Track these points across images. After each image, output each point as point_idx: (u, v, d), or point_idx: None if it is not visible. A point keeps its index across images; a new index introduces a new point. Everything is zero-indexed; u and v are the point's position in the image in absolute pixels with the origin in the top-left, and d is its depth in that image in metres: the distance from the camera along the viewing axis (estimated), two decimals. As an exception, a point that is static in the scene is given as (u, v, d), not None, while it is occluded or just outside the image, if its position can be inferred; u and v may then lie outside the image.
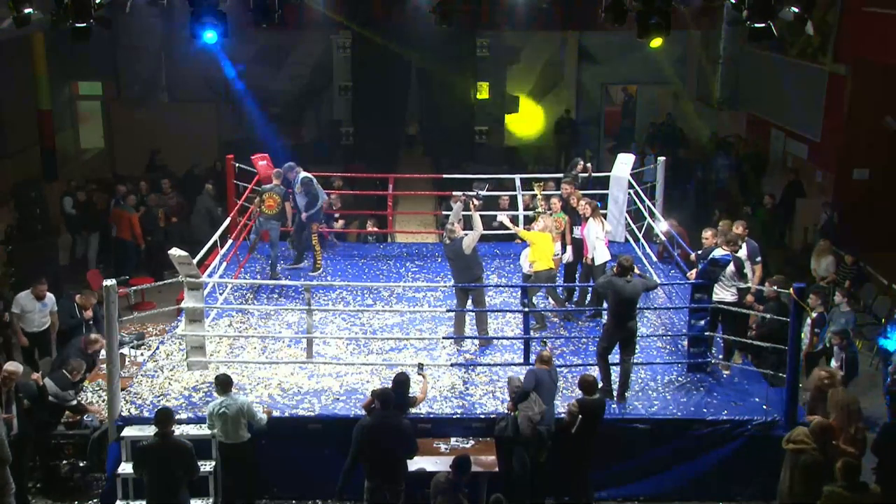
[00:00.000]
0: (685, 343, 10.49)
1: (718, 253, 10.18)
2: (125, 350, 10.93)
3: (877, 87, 15.55)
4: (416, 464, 8.64)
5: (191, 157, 19.09)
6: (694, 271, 10.47)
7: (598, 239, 11.26)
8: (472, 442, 9.32)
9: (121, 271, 14.19)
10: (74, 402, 9.71)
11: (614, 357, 9.78)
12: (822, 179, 17.03)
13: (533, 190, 13.15)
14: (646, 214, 13.06)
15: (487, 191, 11.67)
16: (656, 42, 11.89)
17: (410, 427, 8.50)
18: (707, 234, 10.82)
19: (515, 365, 10.02)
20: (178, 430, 8.92)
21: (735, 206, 17.17)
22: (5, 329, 11.67)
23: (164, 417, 8.20)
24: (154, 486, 8.17)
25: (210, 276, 11.35)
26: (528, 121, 22.82)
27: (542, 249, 11.01)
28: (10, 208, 16.26)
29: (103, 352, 9.97)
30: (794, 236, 17.00)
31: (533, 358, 9.56)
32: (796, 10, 10.27)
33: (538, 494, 9.12)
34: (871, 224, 15.37)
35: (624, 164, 13.41)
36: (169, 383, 10.06)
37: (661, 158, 14.35)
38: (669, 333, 11.25)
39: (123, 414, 9.40)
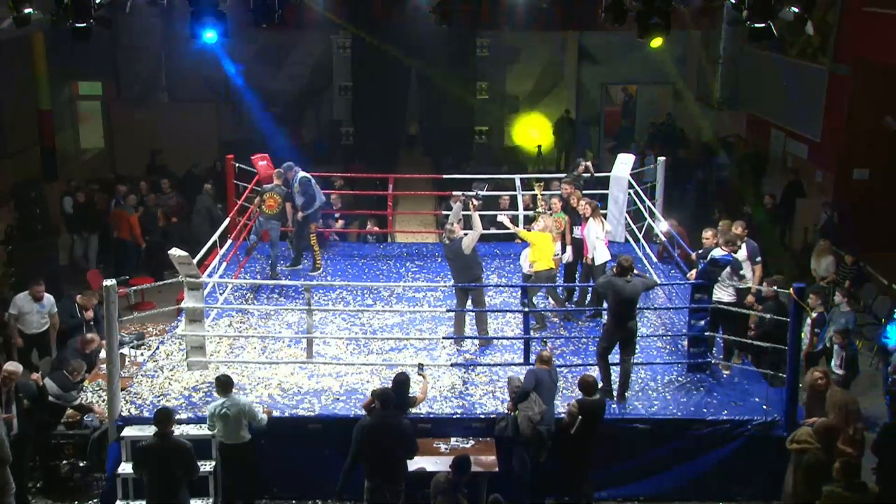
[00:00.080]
0: (685, 343, 10.49)
1: (718, 253, 10.18)
2: (125, 350, 10.92)
3: (877, 87, 15.56)
4: (416, 464, 8.64)
5: (191, 157, 19.10)
6: (694, 271, 10.47)
7: (598, 239, 11.26)
8: (472, 442, 9.32)
9: (121, 271, 14.19)
10: (77, 402, 9.69)
11: (614, 357, 9.78)
12: (822, 179, 17.03)
13: (533, 190, 13.14)
14: (646, 214, 13.06)
15: (487, 191, 11.66)
16: (656, 42, 11.88)
17: (410, 427, 8.50)
18: (707, 234, 10.82)
19: (515, 365, 10.02)
20: (178, 430, 8.93)
21: (735, 206, 17.17)
22: (4, 329, 11.67)
23: (163, 417, 8.20)
24: (154, 486, 8.17)
25: (210, 276, 11.35)
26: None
27: (542, 249, 11.01)
28: (10, 208, 16.25)
29: (103, 352, 9.98)
30: (794, 236, 17.00)
31: (533, 358, 9.55)
32: (796, 10, 10.28)
33: (538, 494, 9.12)
34: (871, 224, 15.37)
35: (624, 164, 13.41)
36: (169, 383, 10.06)
37: (661, 158, 14.35)
38: (669, 333, 11.25)
39: (123, 414, 9.40)
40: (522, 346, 10.13)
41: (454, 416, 9.45)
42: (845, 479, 7.52)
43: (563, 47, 22.63)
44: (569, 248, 11.84)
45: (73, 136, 21.30)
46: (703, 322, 10.10)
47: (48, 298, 11.59)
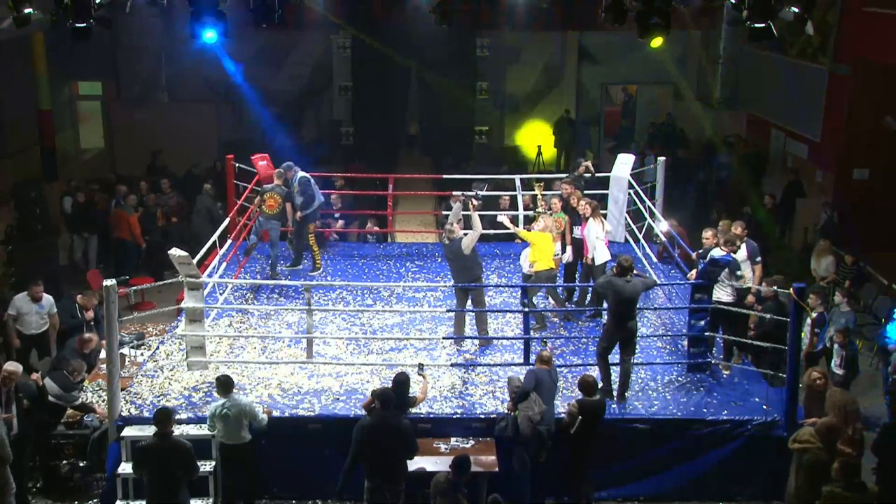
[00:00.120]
0: (685, 343, 10.49)
1: (717, 253, 10.19)
2: (125, 350, 10.92)
3: (877, 87, 15.56)
4: (416, 464, 8.64)
5: (191, 157, 19.10)
6: (694, 271, 10.47)
7: (598, 239, 11.26)
8: (472, 442, 9.32)
9: (121, 271, 14.19)
10: (79, 403, 9.69)
11: (614, 357, 9.78)
12: (822, 179, 17.03)
13: (533, 190, 13.14)
14: (646, 214, 13.06)
15: (487, 191, 11.67)
16: (656, 42, 11.89)
17: (410, 427, 8.50)
18: (707, 234, 10.81)
19: (515, 365, 10.02)
20: (178, 430, 8.93)
21: (735, 206, 17.17)
22: (4, 330, 11.65)
23: (163, 417, 8.20)
24: (154, 486, 8.17)
25: (210, 276, 11.35)
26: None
27: (542, 249, 11.01)
28: (10, 208, 16.25)
29: (103, 352, 9.98)
30: (794, 236, 17.00)
31: (533, 358, 9.55)
32: (796, 10, 10.28)
33: (538, 494, 9.12)
34: (871, 224, 15.37)
35: (624, 164, 13.41)
36: (169, 383, 10.06)
37: (661, 158, 14.35)
38: (669, 333, 11.25)
39: (123, 414, 9.40)
40: (522, 346, 10.12)
41: (454, 416, 9.45)
42: (844, 480, 7.52)
43: (563, 47, 22.63)
44: (569, 248, 11.84)
45: (73, 136, 21.30)
46: (703, 322, 10.10)
47: (47, 299, 11.56)
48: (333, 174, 15.91)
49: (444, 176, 15.79)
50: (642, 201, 13.13)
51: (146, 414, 9.24)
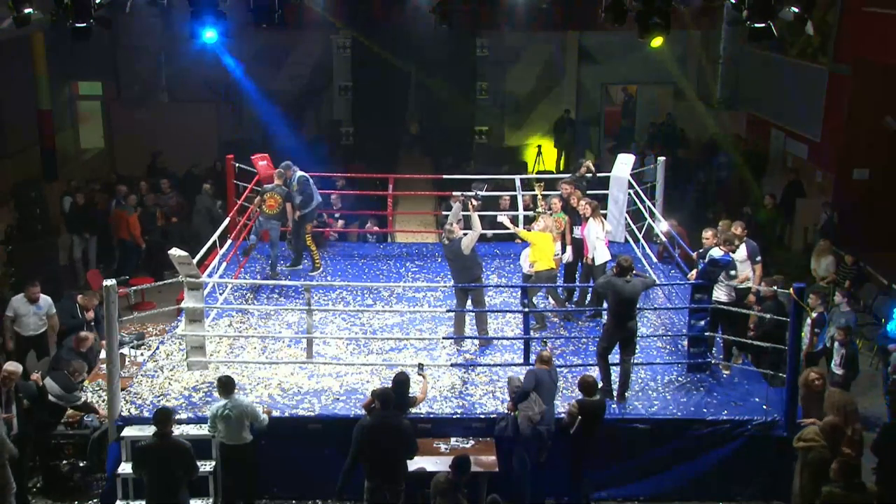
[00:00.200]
0: (685, 343, 10.49)
1: (717, 253, 10.20)
2: (125, 350, 10.92)
3: (877, 87, 15.56)
4: (416, 464, 8.64)
5: (191, 157, 19.09)
6: (694, 271, 10.47)
7: (599, 239, 11.26)
8: (472, 442, 9.32)
9: (121, 271, 14.18)
10: (81, 403, 9.68)
11: (614, 357, 9.78)
12: (822, 179, 17.04)
13: (533, 190, 13.14)
14: (646, 214, 13.06)
15: (486, 191, 11.67)
16: (656, 42, 11.89)
17: (410, 427, 8.50)
18: (707, 234, 10.81)
19: (515, 365, 10.02)
20: (178, 430, 8.93)
21: (735, 206, 17.18)
22: (2, 330, 11.62)
23: (162, 417, 8.20)
24: (154, 486, 8.17)
25: (210, 276, 11.34)
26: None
27: (542, 249, 11.01)
28: (10, 208, 16.25)
29: (103, 352, 9.98)
30: (794, 236, 17.00)
31: (533, 358, 9.55)
32: (796, 10, 10.28)
33: (538, 494, 9.12)
34: (871, 224, 15.37)
35: (624, 164, 13.41)
36: (169, 383, 10.07)
37: (661, 158, 14.35)
38: (669, 333, 11.25)
39: (123, 414, 9.40)
40: (522, 346, 10.12)
41: (454, 416, 9.45)
42: (843, 480, 7.53)
43: (563, 47, 22.61)
44: (569, 248, 11.85)
45: (73, 136, 21.30)
46: (703, 322, 10.10)
47: (44, 300, 11.43)
48: (335, 174, 15.90)
49: (444, 176, 15.79)
50: (642, 201, 13.13)
51: (146, 414, 9.24)
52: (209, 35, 11.60)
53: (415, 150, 22.19)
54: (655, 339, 11.10)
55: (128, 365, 10.72)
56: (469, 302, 10.77)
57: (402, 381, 8.79)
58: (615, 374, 9.80)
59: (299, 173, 12.82)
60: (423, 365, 9.53)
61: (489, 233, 13.64)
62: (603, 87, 23.20)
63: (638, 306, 9.79)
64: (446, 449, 9.15)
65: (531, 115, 23.00)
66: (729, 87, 21.51)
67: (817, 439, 8.21)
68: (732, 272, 10.26)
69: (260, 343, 10.96)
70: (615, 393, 9.71)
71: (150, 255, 15.22)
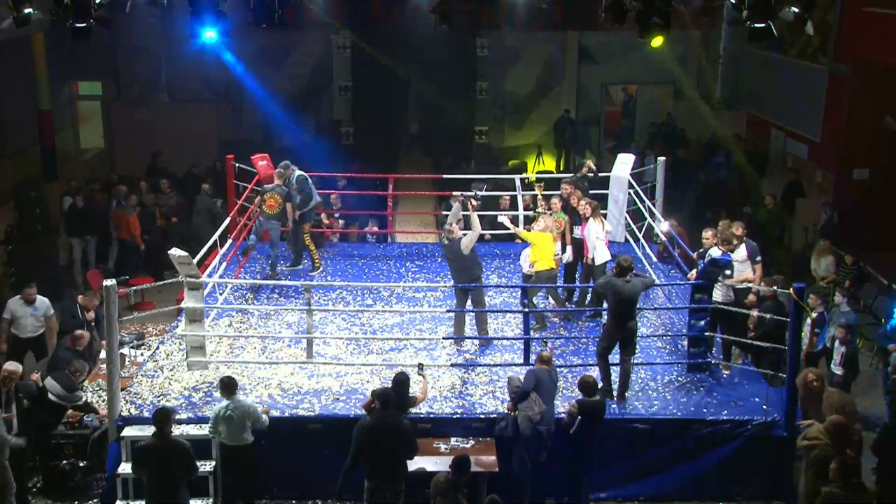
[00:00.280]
0: (685, 343, 10.49)
1: (716, 253, 10.20)
2: (125, 350, 10.92)
3: (877, 87, 15.56)
4: (416, 464, 8.64)
5: (191, 157, 19.10)
6: (694, 271, 10.47)
7: (599, 239, 11.26)
8: (472, 442, 9.32)
9: (121, 271, 14.18)
10: (82, 402, 9.68)
11: (614, 357, 9.78)
12: (822, 179, 17.04)
13: (533, 190, 13.14)
14: (646, 214, 13.06)
15: (486, 191, 11.67)
16: (657, 42, 11.89)
17: (410, 427, 8.50)
18: (707, 234, 10.81)
19: (515, 365, 10.02)
20: (178, 430, 8.94)
21: (735, 206, 17.18)
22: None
23: (162, 417, 8.19)
24: (154, 486, 8.16)
25: (210, 276, 11.35)
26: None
27: (542, 250, 11.01)
28: (10, 208, 16.24)
29: (103, 352, 9.97)
30: (794, 236, 17.00)
31: (533, 358, 9.55)
32: (796, 10, 10.28)
33: (538, 494, 9.12)
34: (871, 224, 15.37)
35: (624, 164, 13.41)
36: (169, 383, 10.06)
37: (661, 158, 14.35)
38: (669, 333, 11.25)
39: (123, 414, 9.40)
40: (522, 346, 10.12)
41: (454, 416, 9.45)
42: (842, 480, 7.53)
43: (563, 47, 22.62)
44: (569, 248, 11.85)
45: (73, 136, 21.31)
46: (703, 322, 10.10)
47: (41, 301, 11.30)
48: (335, 174, 15.90)
49: (444, 176, 15.79)
50: (642, 201, 13.13)
51: (146, 414, 9.23)
52: (209, 35, 11.60)
53: (415, 150, 22.21)
54: (655, 339, 11.10)
55: (128, 365, 10.72)
56: (469, 302, 10.77)
57: (402, 381, 8.79)
58: (615, 374, 9.80)
59: (298, 172, 12.83)
60: (423, 365, 9.53)
61: (488, 233, 13.65)
62: (603, 87, 23.21)
63: (638, 306, 9.79)
64: (446, 449, 9.15)
65: (531, 115, 23.00)
66: (729, 87, 21.52)
67: (821, 438, 8.21)
68: (727, 272, 10.27)
69: (260, 343, 10.96)
70: (615, 393, 9.72)
71: (150, 255, 15.22)
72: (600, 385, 9.42)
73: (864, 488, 7.66)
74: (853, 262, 13.61)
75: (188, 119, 20.85)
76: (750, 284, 10.59)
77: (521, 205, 13.90)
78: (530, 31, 21.08)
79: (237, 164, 13.69)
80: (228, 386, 8.79)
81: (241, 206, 13.35)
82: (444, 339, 10.94)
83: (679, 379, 10.21)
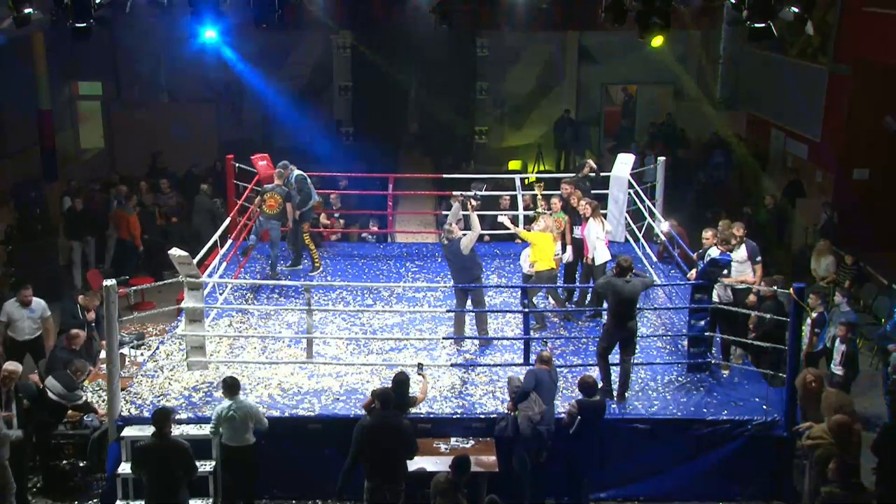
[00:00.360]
0: (685, 343, 10.49)
1: (716, 253, 10.20)
2: (125, 350, 10.92)
3: (877, 87, 15.56)
4: (416, 464, 8.64)
5: (191, 157, 19.10)
6: (694, 271, 10.47)
7: (599, 239, 11.26)
8: (472, 442, 9.32)
9: (121, 271, 14.18)
10: (82, 402, 9.67)
11: (614, 357, 9.78)
12: (822, 179, 17.04)
13: (533, 190, 13.14)
14: (646, 214, 13.06)
15: (486, 191, 11.68)
16: (657, 41, 11.90)
17: (410, 427, 8.50)
18: (707, 234, 10.81)
19: (515, 365, 10.02)
20: (178, 430, 8.94)
21: (735, 205, 17.18)
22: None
23: (161, 417, 8.19)
24: (153, 486, 8.16)
25: (210, 276, 11.35)
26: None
27: (543, 250, 11.01)
28: (10, 208, 16.25)
29: (103, 352, 9.97)
30: (795, 236, 17.00)
31: (533, 358, 9.55)
32: (796, 10, 10.29)
33: (538, 494, 9.12)
34: (871, 224, 15.37)
35: (624, 164, 13.41)
36: (169, 383, 10.06)
37: (661, 158, 14.35)
38: (669, 333, 11.25)
39: (123, 414, 9.40)
40: (522, 346, 10.12)
41: (454, 416, 9.45)
42: (841, 480, 7.53)
43: (563, 47, 22.62)
44: (569, 248, 11.85)
45: (73, 136, 21.31)
46: (703, 322, 10.10)
47: (37, 303, 11.21)
48: (335, 174, 15.91)
49: (444, 176, 15.79)
50: (642, 201, 13.13)
51: (146, 414, 9.23)
52: (209, 35, 11.60)
53: (415, 150, 22.21)
54: (655, 339, 11.10)
55: (128, 365, 10.72)
56: (469, 302, 10.77)
57: (402, 381, 8.79)
58: (615, 374, 9.80)
59: (297, 172, 12.84)
60: (422, 365, 9.52)
61: (488, 233, 13.64)
62: (603, 87, 23.21)
63: (638, 306, 9.79)
64: (446, 449, 9.15)
65: (531, 115, 23.00)
66: (729, 87, 21.51)
67: (825, 437, 8.21)
68: (724, 271, 10.28)
69: (260, 343, 10.96)
70: (615, 393, 9.71)
71: (150, 255, 15.22)
72: (600, 385, 9.42)
73: (864, 488, 7.67)
74: (853, 262, 13.61)
75: (188, 119, 20.84)
76: (749, 285, 10.58)
77: (521, 205, 13.90)
78: (530, 31, 21.08)
79: (237, 164, 13.69)
80: (231, 386, 8.79)
81: (241, 206, 13.35)
82: (444, 339, 10.94)
83: (679, 379, 10.21)
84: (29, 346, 11.20)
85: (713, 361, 10.34)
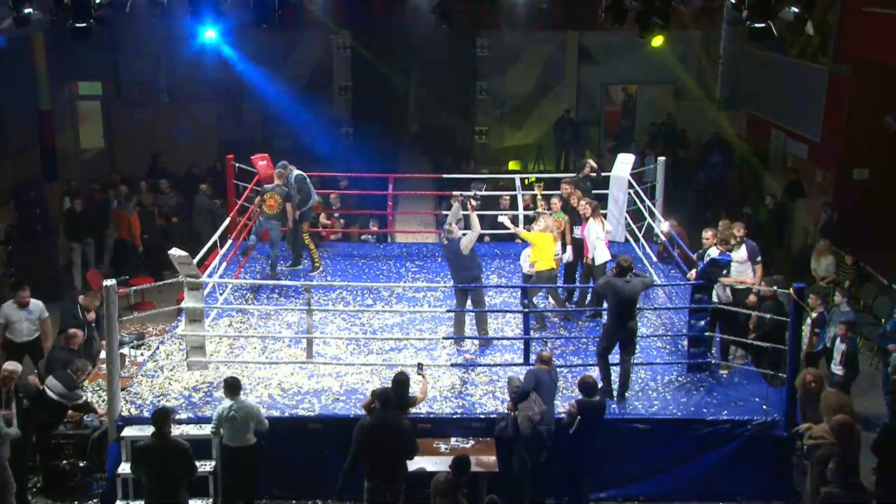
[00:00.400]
0: (685, 343, 10.49)
1: (715, 253, 10.20)
2: (125, 350, 10.92)
3: (877, 87, 15.55)
4: (416, 464, 8.64)
5: (191, 157, 19.10)
6: (694, 271, 10.48)
7: (599, 239, 11.26)
8: (472, 442, 9.32)
9: (121, 271, 14.18)
10: (82, 401, 9.67)
11: (614, 357, 9.78)
12: (822, 179, 17.04)
13: (533, 190, 13.14)
14: (646, 214, 13.06)
15: (486, 191, 11.68)
16: (657, 42, 11.89)
17: (410, 427, 8.50)
18: (707, 234, 10.82)
19: (515, 365, 10.02)
20: (178, 430, 8.95)
21: (735, 205, 17.19)
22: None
23: (161, 417, 8.19)
24: (153, 486, 8.16)
25: (210, 276, 11.35)
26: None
27: (543, 250, 11.01)
28: (10, 208, 16.24)
29: (103, 352, 9.97)
30: (795, 236, 17.00)
31: (533, 358, 9.55)
32: (796, 10, 10.29)
33: (538, 494, 9.12)
34: (871, 224, 15.36)
35: (624, 164, 13.40)
36: (169, 383, 10.06)
37: (661, 158, 14.35)
38: (669, 333, 11.25)
39: (123, 414, 9.40)
40: (522, 346, 10.13)
41: (454, 416, 9.45)
42: (840, 480, 7.53)
43: (563, 47, 22.62)
44: (569, 248, 11.85)
45: (73, 136, 21.30)
46: (703, 322, 10.10)
47: (35, 304, 11.16)
48: (336, 174, 15.91)
49: (444, 176, 15.79)
50: (642, 201, 13.13)
51: (146, 414, 9.23)
52: (209, 35, 11.58)
53: (415, 150, 22.21)
54: (655, 339, 11.10)
55: (128, 365, 10.72)
56: (469, 302, 10.77)
57: (402, 381, 8.79)
58: (615, 374, 9.80)
59: (296, 172, 12.84)
60: (422, 365, 9.53)
61: (488, 233, 13.64)
62: (603, 87, 23.21)
63: (638, 306, 9.79)
64: (446, 449, 9.16)
65: (531, 115, 23.00)
66: (729, 87, 21.51)
67: (826, 437, 8.21)
68: (724, 271, 10.28)
69: (260, 343, 10.96)
70: (615, 393, 9.72)
71: (150, 255, 15.22)
72: (600, 385, 9.42)
73: (863, 488, 7.67)
74: (853, 262, 13.61)
75: (188, 119, 20.84)
76: (748, 286, 10.58)
77: (521, 205, 13.90)
78: (530, 31, 21.08)
79: (237, 164, 13.69)
80: (233, 387, 8.79)
81: (241, 206, 13.35)
82: (444, 339, 10.94)
83: (679, 379, 10.21)
84: (27, 348, 11.15)
85: (713, 361, 10.34)
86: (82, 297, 11.36)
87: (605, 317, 10.11)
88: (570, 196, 11.75)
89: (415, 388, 9.08)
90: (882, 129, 15.85)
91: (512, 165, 21.58)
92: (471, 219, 10.84)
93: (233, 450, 8.82)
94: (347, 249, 14.37)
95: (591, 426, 8.82)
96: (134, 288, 12.07)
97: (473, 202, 10.97)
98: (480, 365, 10.41)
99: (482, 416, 9.43)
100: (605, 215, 12.31)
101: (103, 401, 9.79)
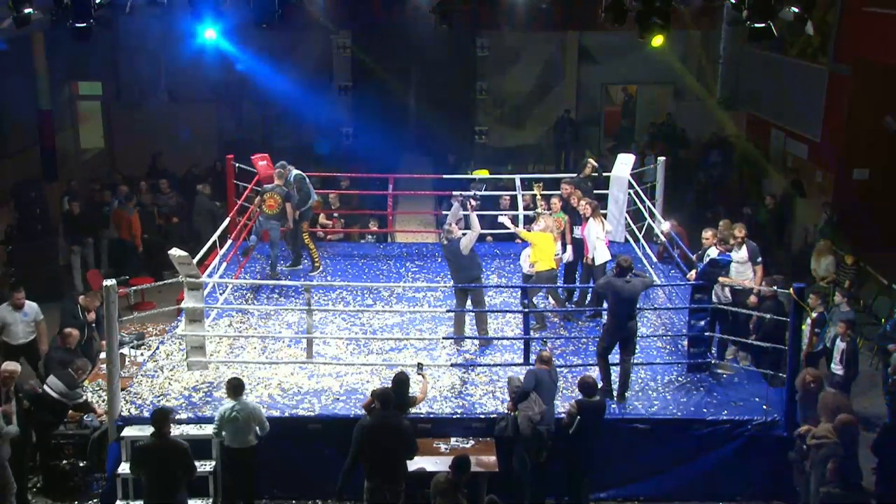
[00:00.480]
0: (685, 343, 10.49)
1: (715, 253, 10.20)
2: (125, 350, 10.92)
3: (877, 87, 15.55)
4: (416, 464, 8.64)
5: (191, 157, 19.09)
6: (693, 271, 10.48)
7: (599, 239, 11.26)
8: (472, 442, 9.32)
9: (120, 271, 14.18)
10: (82, 401, 9.67)
11: (614, 357, 9.78)
12: (822, 179, 17.03)
13: (532, 190, 13.14)
14: (646, 214, 13.06)
15: (485, 191, 11.68)
16: (657, 41, 11.89)
17: (410, 427, 8.50)
18: (707, 234, 10.82)
19: (515, 365, 10.02)
20: (178, 430, 8.95)
21: (735, 205, 17.18)
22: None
23: (160, 417, 8.18)
24: (153, 486, 8.16)
25: (210, 276, 11.35)
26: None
27: (543, 250, 11.02)
28: (10, 208, 16.24)
29: (103, 352, 9.97)
30: (794, 236, 17.00)
31: (533, 358, 9.56)
32: (796, 10, 10.29)
33: (538, 494, 9.12)
34: (871, 224, 15.36)
35: (624, 164, 13.41)
36: (169, 383, 10.07)
37: (661, 158, 14.36)
38: (669, 333, 11.26)
39: (123, 414, 9.40)
40: (522, 346, 10.13)
41: (454, 416, 9.45)
42: (841, 480, 7.53)
43: (563, 47, 22.61)
44: (569, 248, 11.85)
45: (73, 136, 21.25)
46: (703, 322, 10.11)
47: (30, 306, 11.11)
48: (336, 174, 15.90)
49: (444, 176, 15.79)
50: (642, 201, 13.13)
51: (146, 414, 9.23)
52: (209, 35, 11.59)
53: (415, 150, 22.20)
54: (655, 339, 11.11)
55: (128, 365, 10.72)
56: (469, 302, 10.77)
57: (402, 381, 8.79)
58: (615, 374, 9.80)
59: (295, 172, 12.84)
60: (422, 365, 9.53)
61: (488, 233, 13.64)
62: (603, 87, 23.20)
63: (638, 306, 9.79)
64: (446, 449, 9.16)
65: (531, 115, 22.99)
66: (729, 87, 21.51)
67: (829, 437, 8.21)
68: (724, 272, 10.28)
69: (260, 343, 10.97)
70: (615, 393, 9.72)
71: (150, 255, 15.22)
72: (600, 385, 9.42)
73: (862, 488, 7.67)
74: (853, 262, 13.61)
75: (188, 119, 20.83)
76: (747, 287, 10.58)
77: (521, 205, 13.90)
78: (530, 31, 21.08)
79: (237, 164, 13.68)
80: (236, 388, 8.78)
81: (241, 206, 13.35)
82: (444, 339, 10.94)
83: (679, 379, 10.21)
84: (23, 350, 11.08)
85: (713, 361, 10.34)
86: (82, 298, 11.37)
87: (605, 317, 10.12)
88: (571, 196, 11.75)
89: (415, 388, 9.08)
90: (882, 129, 15.85)
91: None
92: (471, 219, 10.85)
93: (233, 451, 8.82)
94: (347, 249, 14.37)
95: (592, 426, 8.82)
96: (134, 288, 12.07)
97: (473, 202, 10.98)
98: (480, 365, 10.41)
99: (482, 416, 9.43)
100: (605, 215, 12.32)
101: (103, 401, 9.80)
